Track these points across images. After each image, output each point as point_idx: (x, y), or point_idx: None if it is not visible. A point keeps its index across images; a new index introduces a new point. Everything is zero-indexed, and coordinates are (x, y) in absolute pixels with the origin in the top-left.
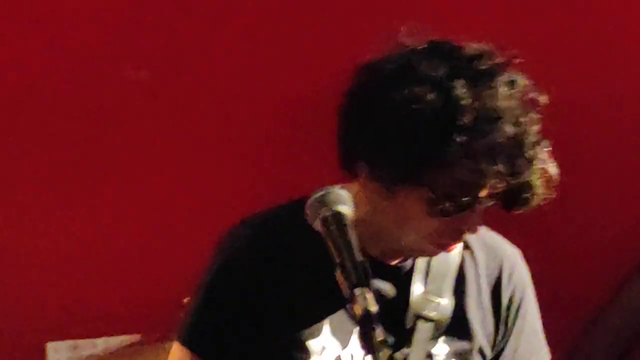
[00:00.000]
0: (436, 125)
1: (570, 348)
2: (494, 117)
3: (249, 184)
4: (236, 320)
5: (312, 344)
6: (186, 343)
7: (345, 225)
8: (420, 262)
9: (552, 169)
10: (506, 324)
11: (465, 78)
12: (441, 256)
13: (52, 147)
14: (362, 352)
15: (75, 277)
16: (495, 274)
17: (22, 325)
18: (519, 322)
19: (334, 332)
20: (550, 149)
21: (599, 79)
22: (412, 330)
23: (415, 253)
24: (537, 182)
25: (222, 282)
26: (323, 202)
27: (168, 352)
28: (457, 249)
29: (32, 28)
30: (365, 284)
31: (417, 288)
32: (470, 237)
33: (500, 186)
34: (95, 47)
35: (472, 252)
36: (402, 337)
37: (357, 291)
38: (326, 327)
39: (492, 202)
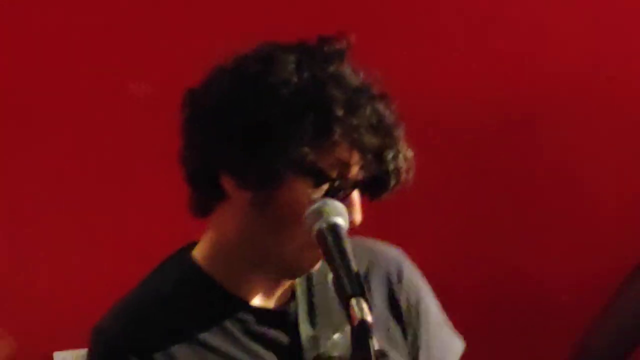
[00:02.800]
0: (300, 105)
1: (570, 351)
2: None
3: None
4: None
5: None
6: None
7: (340, 236)
8: (302, 302)
9: (409, 152)
10: (412, 325)
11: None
12: (322, 290)
13: (54, 161)
14: None
15: (84, 286)
16: (384, 282)
17: (29, 334)
18: (423, 320)
19: None
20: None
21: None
22: None
23: (294, 266)
24: (399, 164)
25: None
26: (320, 213)
27: None
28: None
29: (33, 39)
30: (360, 294)
31: (306, 329)
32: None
33: (367, 167)
34: (98, 60)
35: None
36: None
37: (353, 301)
38: None
39: (359, 187)
